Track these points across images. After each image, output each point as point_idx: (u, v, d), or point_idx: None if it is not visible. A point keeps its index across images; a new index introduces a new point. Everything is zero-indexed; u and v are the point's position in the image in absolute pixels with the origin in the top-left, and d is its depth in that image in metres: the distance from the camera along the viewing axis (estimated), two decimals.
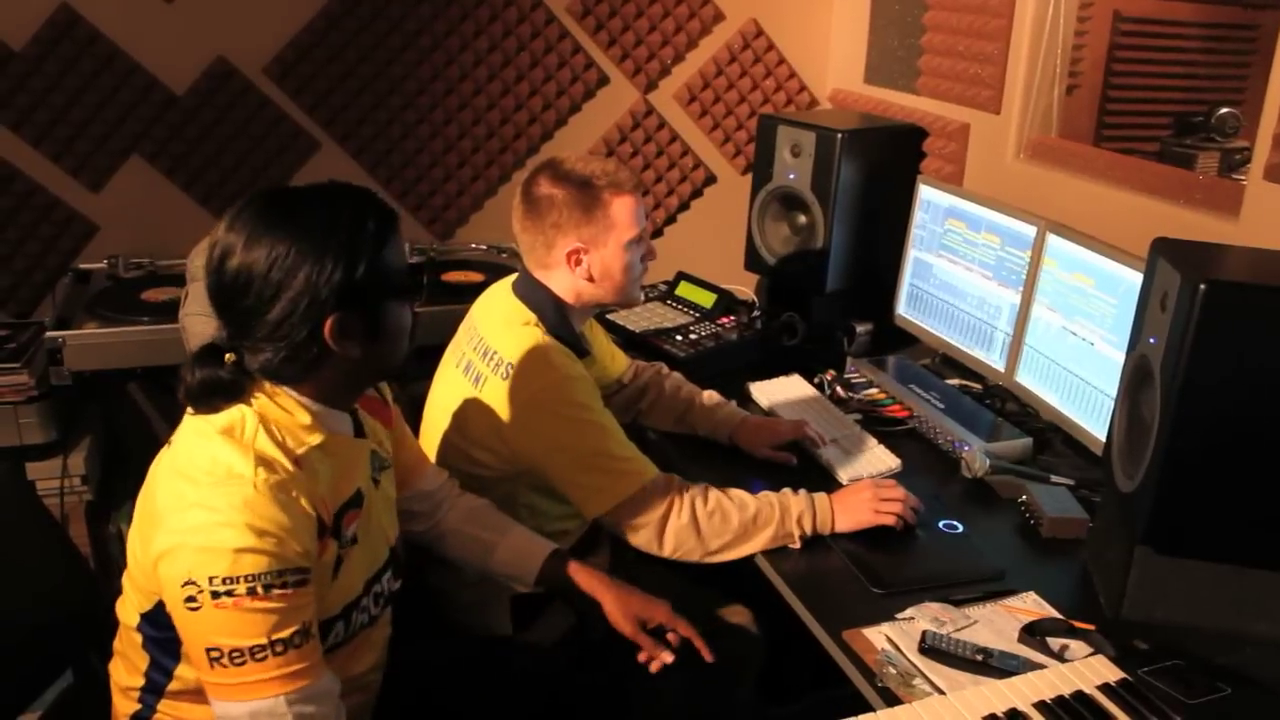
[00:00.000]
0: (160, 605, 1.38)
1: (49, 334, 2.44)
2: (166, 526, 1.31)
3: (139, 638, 1.45)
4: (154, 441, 1.43)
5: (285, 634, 1.31)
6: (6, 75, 2.71)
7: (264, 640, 1.30)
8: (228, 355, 1.39)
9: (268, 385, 1.40)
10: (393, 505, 1.67)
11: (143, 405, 2.89)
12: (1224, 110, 2.83)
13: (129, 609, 1.46)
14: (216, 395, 1.37)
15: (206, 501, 1.30)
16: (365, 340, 1.40)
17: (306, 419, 1.41)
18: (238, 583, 1.27)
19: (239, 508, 1.29)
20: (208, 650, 1.30)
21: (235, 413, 1.37)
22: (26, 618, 1.72)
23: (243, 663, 1.29)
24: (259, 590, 1.28)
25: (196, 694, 1.43)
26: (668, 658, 1.69)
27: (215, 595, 1.27)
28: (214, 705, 1.34)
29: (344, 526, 1.46)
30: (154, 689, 1.47)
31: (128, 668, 1.50)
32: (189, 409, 1.40)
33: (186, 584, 1.28)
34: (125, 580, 1.47)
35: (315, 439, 1.41)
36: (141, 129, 2.86)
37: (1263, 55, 3.13)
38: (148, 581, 1.37)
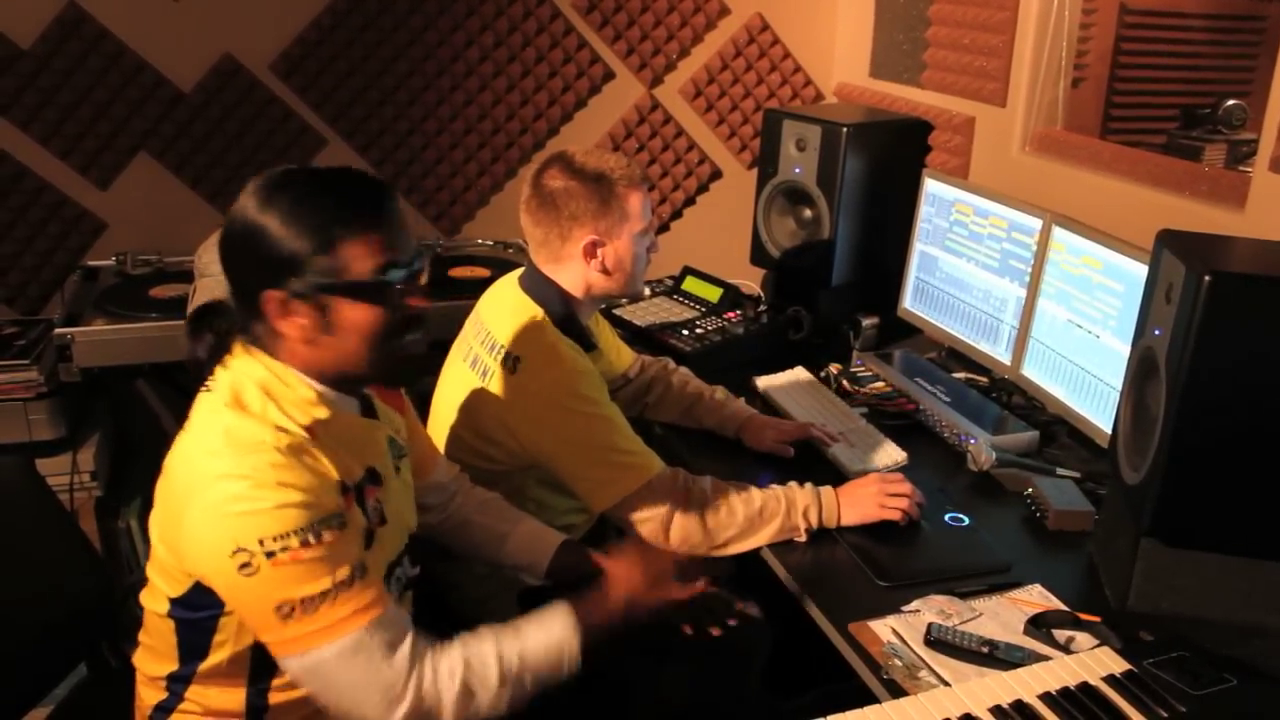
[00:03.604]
0: (196, 587, 1.39)
1: (58, 331, 2.45)
2: (197, 504, 1.33)
3: (170, 624, 1.46)
4: (163, 437, 1.44)
5: (346, 572, 1.35)
6: (15, 73, 2.72)
7: (329, 584, 1.33)
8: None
9: (263, 357, 1.43)
10: (412, 493, 1.69)
11: (151, 401, 2.90)
12: (1231, 102, 2.82)
13: (157, 598, 1.46)
14: (203, 346, 1.44)
15: (233, 470, 1.32)
16: (315, 330, 1.41)
17: (310, 394, 1.43)
18: (289, 537, 1.30)
19: (267, 469, 1.32)
20: (278, 608, 1.31)
21: (237, 385, 1.40)
22: (41, 612, 1.74)
23: (316, 608, 1.32)
24: (310, 540, 1.32)
25: (226, 676, 1.45)
26: (686, 591, 1.73)
27: (270, 555, 1.30)
28: (295, 662, 1.35)
29: (366, 498, 1.48)
30: (184, 676, 1.48)
31: (155, 657, 1.51)
32: (199, 381, 1.44)
33: (237, 552, 1.30)
34: (150, 570, 1.48)
35: (321, 413, 1.43)
36: (149, 126, 2.87)
37: (1269, 47, 3.13)
38: (180, 564, 1.39)
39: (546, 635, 1.49)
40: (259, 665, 1.46)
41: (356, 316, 1.40)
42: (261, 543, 1.30)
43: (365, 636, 1.35)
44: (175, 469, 1.39)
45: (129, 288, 2.73)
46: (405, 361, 1.48)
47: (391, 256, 1.40)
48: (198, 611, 1.42)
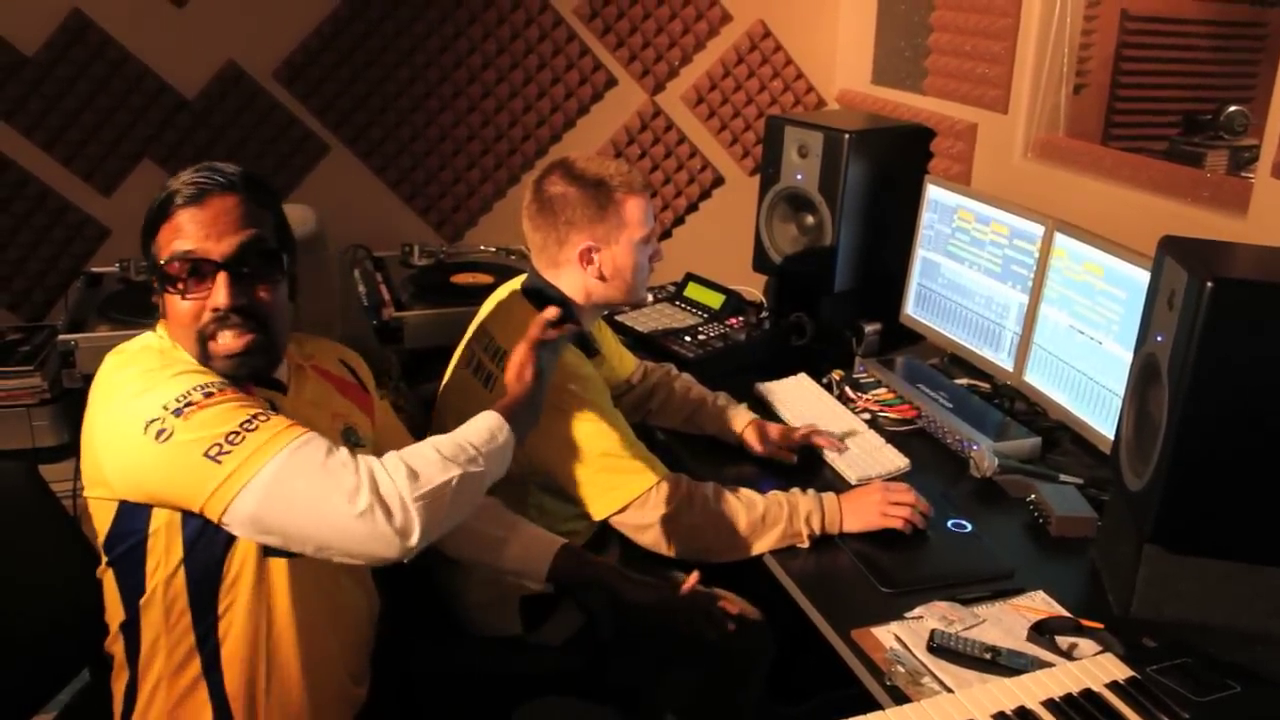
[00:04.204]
0: (120, 511, 1.44)
1: (62, 337, 2.45)
2: (99, 422, 1.41)
3: (110, 574, 1.50)
4: None
5: (259, 408, 1.39)
6: (19, 80, 2.73)
7: (247, 416, 1.37)
8: None
9: (163, 328, 1.51)
10: None
11: None
12: (1232, 108, 2.82)
13: (101, 563, 1.52)
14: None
15: (124, 371, 1.42)
16: (162, 312, 1.49)
17: (196, 366, 1.47)
18: (190, 393, 1.37)
19: (152, 359, 1.44)
20: (206, 453, 1.33)
21: (134, 340, 1.52)
22: (45, 618, 1.74)
23: (242, 437, 1.35)
24: (213, 392, 1.38)
25: (168, 614, 1.47)
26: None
27: (178, 413, 1.35)
28: (247, 499, 1.33)
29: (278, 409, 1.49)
30: (133, 622, 1.50)
31: (112, 620, 1.54)
32: None
33: (148, 426, 1.34)
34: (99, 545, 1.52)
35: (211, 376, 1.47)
36: (152, 133, 2.88)
37: (1271, 53, 3.14)
38: (105, 490, 1.43)
39: (474, 422, 1.52)
40: (199, 594, 1.47)
41: (167, 301, 1.47)
42: (166, 407, 1.35)
43: (300, 445, 1.36)
44: (84, 427, 1.45)
45: (132, 294, 2.72)
46: (222, 359, 1.46)
47: (178, 245, 1.43)
48: (125, 541, 1.46)
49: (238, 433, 1.34)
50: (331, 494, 1.34)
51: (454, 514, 1.43)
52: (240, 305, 1.44)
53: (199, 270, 1.43)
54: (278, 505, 1.34)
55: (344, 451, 1.39)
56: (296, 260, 1.57)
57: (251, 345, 1.46)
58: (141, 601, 1.48)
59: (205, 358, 1.46)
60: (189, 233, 1.43)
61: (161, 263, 1.44)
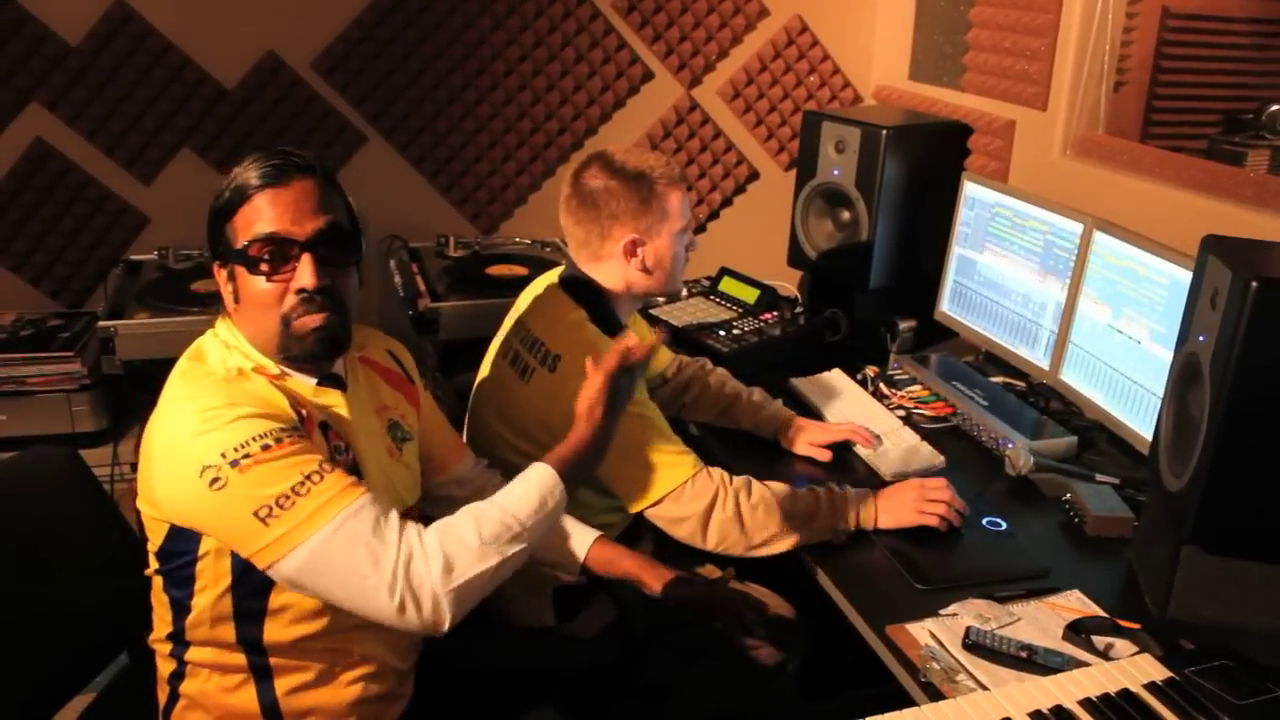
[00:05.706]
0: (171, 532, 1.44)
1: (101, 324, 2.49)
2: (159, 442, 1.40)
3: (159, 581, 1.51)
4: None
5: (315, 465, 1.37)
6: (63, 70, 2.76)
7: (300, 478, 1.35)
8: None
9: (230, 323, 1.51)
10: (414, 476, 1.70)
11: None
12: (1274, 107, 2.79)
13: (150, 562, 1.52)
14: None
15: (187, 399, 1.40)
16: (234, 299, 1.48)
17: (263, 361, 1.49)
18: (249, 444, 1.35)
19: (219, 392, 1.40)
20: (255, 513, 1.33)
21: (204, 343, 1.51)
22: (86, 600, 1.76)
23: (293, 502, 1.34)
24: (270, 444, 1.36)
25: (213, 630, 1.48)
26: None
27: (234, 464, 1.33)
28: (289, 564, 1.34)
29: (330, 436, 1.49)
30: (178, 635, 1.51)
31: (157, 622, 1.55)
32: None
33: (204, 471, 1.33)
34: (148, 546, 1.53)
35: (272, 369, 1.49)
36: (192, 123, 2.91)
37: None
38: (156, 510, 1.43)
39: (524, 482, 1.48)
40: (245, 611, 1.47)
41: (246, 285, 1.46)
42: (224, 455, 1.33)
43: (348, 518, 1.35)
44: (146, 432, 1.45)
45: (171, 282, 2.76)
46: (302, 338, 1.46)
47: (260, 228, 1.43)
48: (175, 560, 1.46)
49: (289, 496, 1.33)
50: (369, 581, 1.34)
51: (489, 589, 1.42)
52: (325, 286, 1.45)
53: (283, 252, 1.43)
54: (318, 576, 1.35)
55: (393, 522, 1.38)
56: (366, 246, 1.57)
57: (331, 323, 1.47)
58: (188, 621, 1.50)
59: (286, 339, 1.46)
60: (271, 215, 1.43)
61: (242, 245, 1.43)
